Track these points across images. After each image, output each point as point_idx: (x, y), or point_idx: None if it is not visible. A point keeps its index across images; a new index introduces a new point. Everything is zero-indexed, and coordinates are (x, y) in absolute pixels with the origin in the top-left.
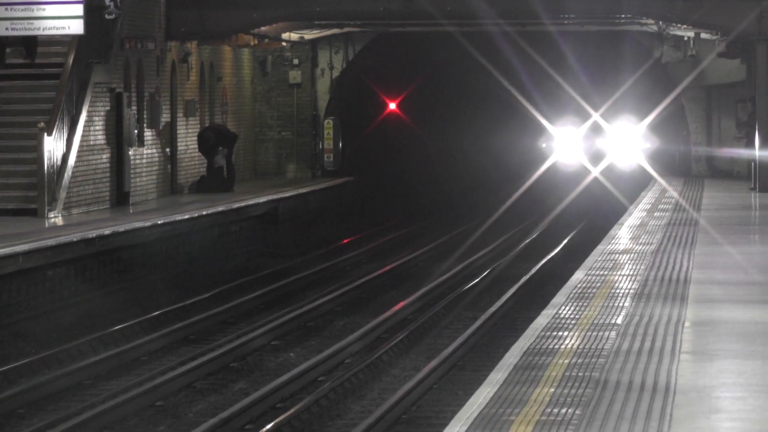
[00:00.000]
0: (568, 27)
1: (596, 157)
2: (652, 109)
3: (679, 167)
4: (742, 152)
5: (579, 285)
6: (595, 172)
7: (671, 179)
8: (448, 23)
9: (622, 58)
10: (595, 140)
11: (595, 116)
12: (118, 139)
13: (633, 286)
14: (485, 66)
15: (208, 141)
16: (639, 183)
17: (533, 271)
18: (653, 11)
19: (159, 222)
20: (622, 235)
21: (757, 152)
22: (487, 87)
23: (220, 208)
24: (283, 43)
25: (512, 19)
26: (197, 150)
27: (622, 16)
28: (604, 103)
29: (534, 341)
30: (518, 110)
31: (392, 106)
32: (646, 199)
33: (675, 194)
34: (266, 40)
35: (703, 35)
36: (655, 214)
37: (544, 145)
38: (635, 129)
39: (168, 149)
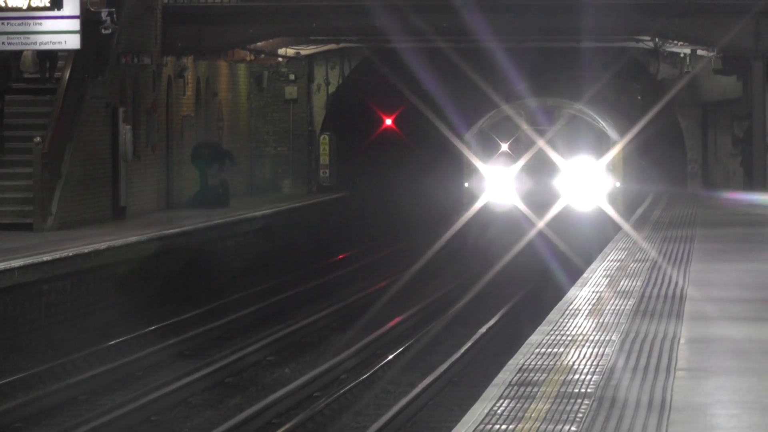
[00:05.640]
0: (559, 44)
1: (546, 201)
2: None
3: (673, 184)
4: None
5: (574, 301)
6: (540, 223)
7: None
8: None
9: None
10: (544, 179)
11: (540, 144)
12: (114, 153)
13: (628, 303)
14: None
15: (203, 157)
16: (602, 232)
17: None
18: (642, 28)
19: (154, 236)
20: (616, 256)
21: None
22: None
23: (215, 223)
24: (279, 59)
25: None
26: (192, 164)
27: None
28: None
29: (529, 358)
30: (447, 148)
31: (388, 122)
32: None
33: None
34: (262, 55)
35: (700, 52)
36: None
37: (466, 185)
38: (596, 164)
39: (164, 164)
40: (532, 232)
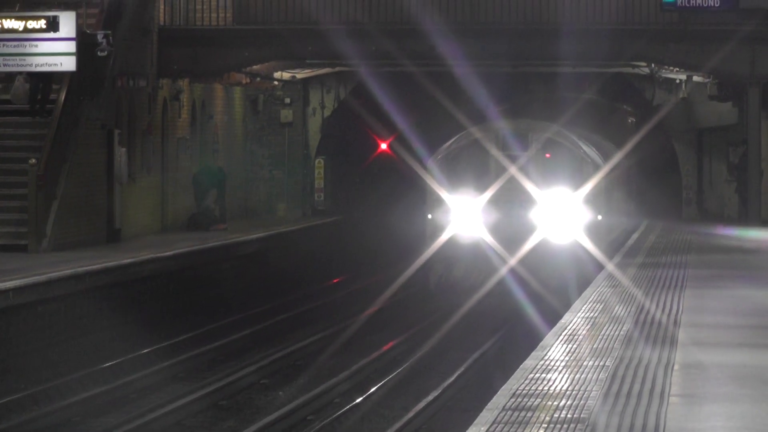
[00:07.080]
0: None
1: (518, 235)
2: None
3: (667, 211)
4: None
5: (568, 327)
6: (512, 260)
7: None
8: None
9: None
10: (516, 210)
11: (511, 170)
12: (109, 175)
13: (623, 329)
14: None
15: (202, 184)
16: (582, 269)
17: None
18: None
19: (148, 258)
20: (610, 282)
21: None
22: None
23: (211, 245)
24: (275, 82)
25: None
26: (188, 188)
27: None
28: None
29: (523, 383)
30: (413, 178)
31: (383, 146)
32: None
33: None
34: (258, 78)
35: (696, 78)
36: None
37: (430, 216)
38: (575, 193)
39: (159, 186)
40: (503, 270)
